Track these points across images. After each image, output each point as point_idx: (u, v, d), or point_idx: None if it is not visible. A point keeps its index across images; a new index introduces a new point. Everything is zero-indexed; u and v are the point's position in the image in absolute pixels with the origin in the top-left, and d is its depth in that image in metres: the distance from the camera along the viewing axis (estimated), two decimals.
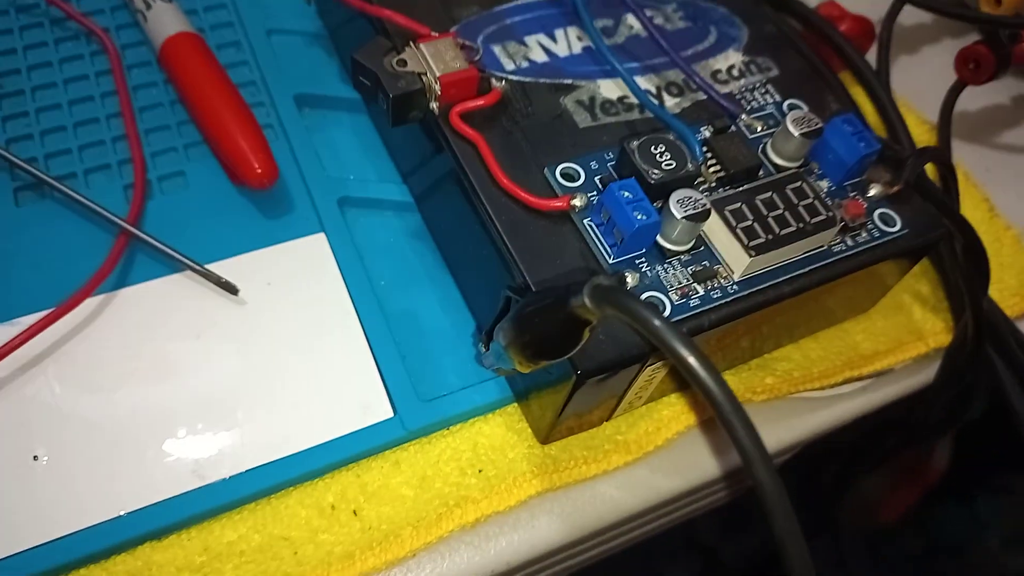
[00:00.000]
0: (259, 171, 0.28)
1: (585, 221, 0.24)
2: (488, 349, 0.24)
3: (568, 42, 0.28)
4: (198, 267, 0.27)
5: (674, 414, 0.27)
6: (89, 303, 0.26)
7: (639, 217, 0.22)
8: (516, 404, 0.27)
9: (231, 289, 0.27)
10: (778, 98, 0.28)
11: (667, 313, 0.22)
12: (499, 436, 0.26)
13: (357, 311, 0.27)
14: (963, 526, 0.61)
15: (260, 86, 0.32)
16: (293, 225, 0.29)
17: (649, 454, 0.27)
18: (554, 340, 0.19)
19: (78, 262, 0.27)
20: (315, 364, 0.26)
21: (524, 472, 0.26)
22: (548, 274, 0.23)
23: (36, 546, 0.23)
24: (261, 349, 0.27)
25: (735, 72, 0.28)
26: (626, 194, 0.22)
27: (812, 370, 0.29)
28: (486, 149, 0.24)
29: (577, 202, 0.23)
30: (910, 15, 0.36)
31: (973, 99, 0.37)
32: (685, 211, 0.22)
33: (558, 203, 0.23)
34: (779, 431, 0.28)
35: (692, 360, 0.15)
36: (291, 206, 0.29)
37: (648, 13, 0.29)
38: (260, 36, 0.33)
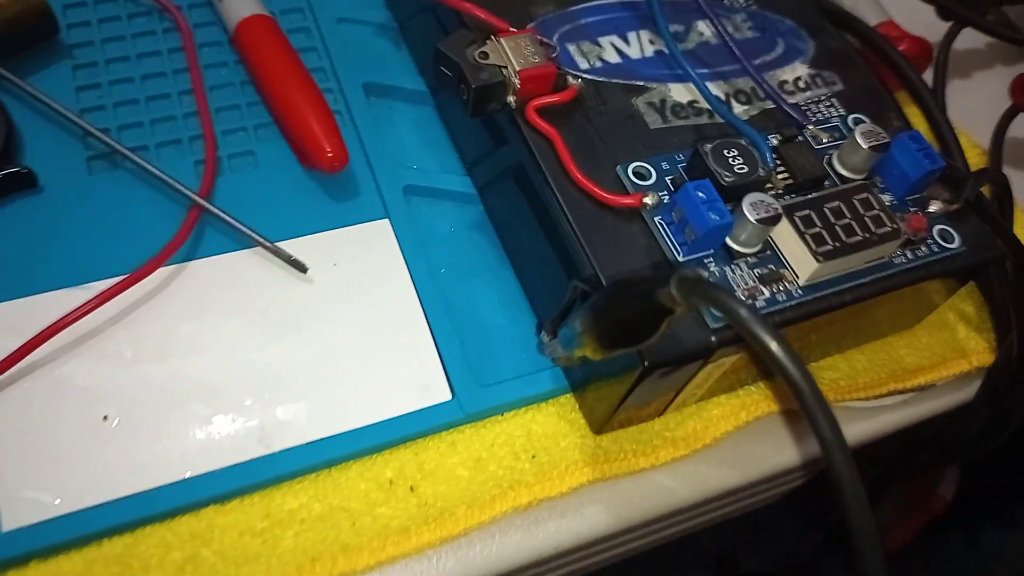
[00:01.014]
0: (330, 155, 0.29)
1: (656, 219, 0.25)
2: (552, 338, 0.25)
3: (640, 45, 0.29)
4: (269, 243, 0.28)
5: (723, 414, 0.28)
6: (160, 272, 0.28)
7: (713, 217, 0.23)
8: (570, 395, 0.28)
9: (300, 267, 0.28)
10: (842, 112, 0.29)
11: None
12: (552, 425, 0.27)
13: (419, 296, 0.29)
14: (968, 558, 0.61)
15: (328, 73, 0.33)
16: (359, 210, 0.30)
17: (697, 451, 0.28)
18: (633, 328, 0.20)
19: (147, 233, 0.28)
20: (378, 344, 0.28)
21: (576, 460, 0.27)
22: (617, 268, 0.24)
23: (103, 503, 0.24)
24: (326, 327, 0.28)
25: (801, 84, 0.30)
26: (701, 194, 0.23)
27: (857, 380, 0.30)
28: (561, 144, 0.25)
29: (649, 200, 0.25)
30: (965, 40, 0.38)
31: None
32: (758, 214, 0.23)
33: (630, 200, 0.25)
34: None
35: (778, 349, 0.17)
36: (357, 191, 0.31)
37: (718, 20, 0.30)
38: (330, 23, 0.34)
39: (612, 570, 0.34)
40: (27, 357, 0.25)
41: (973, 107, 0.37)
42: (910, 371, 0.30)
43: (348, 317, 0.28)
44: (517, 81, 0.26)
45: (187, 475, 0.25)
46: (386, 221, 0.30)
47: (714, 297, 0.18)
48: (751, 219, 0.23)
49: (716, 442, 0.28)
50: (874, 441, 0.30)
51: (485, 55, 0.26)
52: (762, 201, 0.24)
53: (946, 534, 0.61)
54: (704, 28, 0.30)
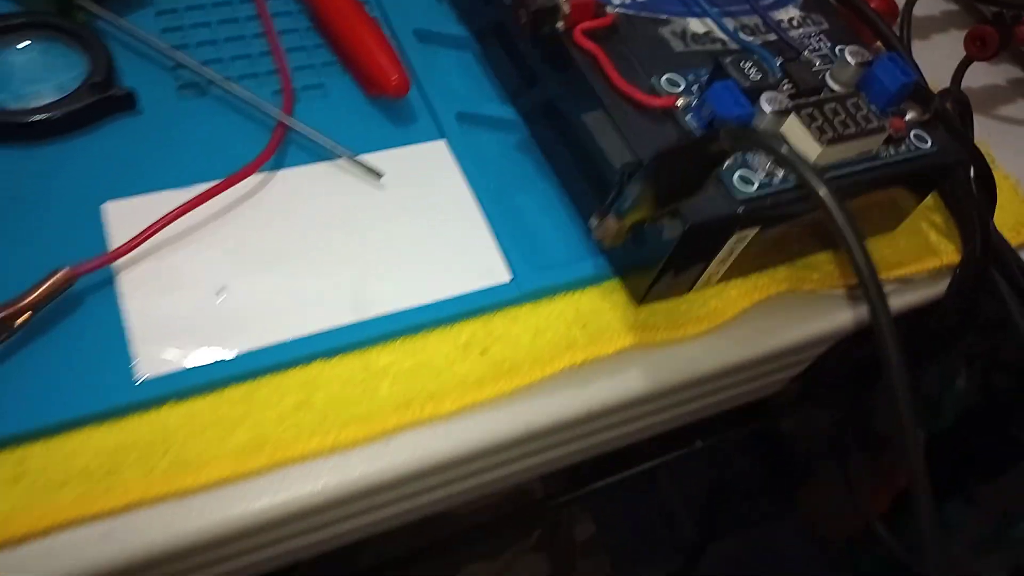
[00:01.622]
0: (396, 80, 0.34)
1: (687, 117, 0.30)
2: (601, 220, 0.30)
3: None
4: (349, 152, 0.33)
5: (739, 293, 0.34)
6: (253, 178, 0.32)
7: (739, 106, 0.29)
8: (611, 281, 0.33)
9: (376, 173, 0.33)
10: (830, 44, 0.35)
11: (755, 188, 0.29)
12: (597, 303, 0.33)
13: (478, 199, 0.34)
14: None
15: (383, 21, 0.38)
16: (418, 131, 0.35)
17: (719, 326, 0.33)
18: (683, 183, 0.26)
19: (236, 148, 0.33)
20: (447, 237, 0.33)
21: (619, 329, 0.32)
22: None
23: (222, 359, 0.28)
24: (400, 225, 0.33)
25: (794, 23, 0.36)
26: (728, 91, 0.29)
27: (849, 270, 0.36)
28: (605, 59, 0.31)
29: (680, 102, 0.30)
30: (924, 6, 0.45)
31: (977, 77, 0.45)
32: (773, 107, 0.29)
33: (665, 101, 0.30)
34: (821, 321, 0.35)
35: (824, 192, 0.22)
36: (415, 116, 0.36)
37: None
38: None
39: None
40: (146, 242, 0.29)
41: (934, 61, 0.44)
42: (891, 264, 0.36)
43: (419, 216, 0.33)
44: (567, 8, 0.31)
45: (295, 336, 0.29)
46: (443, 141, 0.35)
47: (761, 140, 0.23)
48: (768, 111, 0.29)
49: (734, 319, 0.34)
50: (865, 325, 0.36)
51: None
52: (776, 98, 0.29)
53: (911, 512, 0.66)
54: None
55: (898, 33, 0.43)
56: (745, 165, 0.30)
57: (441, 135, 0.35)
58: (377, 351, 0.30)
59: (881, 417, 0.69)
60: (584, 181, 0.33)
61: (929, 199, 0.37)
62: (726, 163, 0.29)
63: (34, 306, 0.27)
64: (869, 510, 0.64)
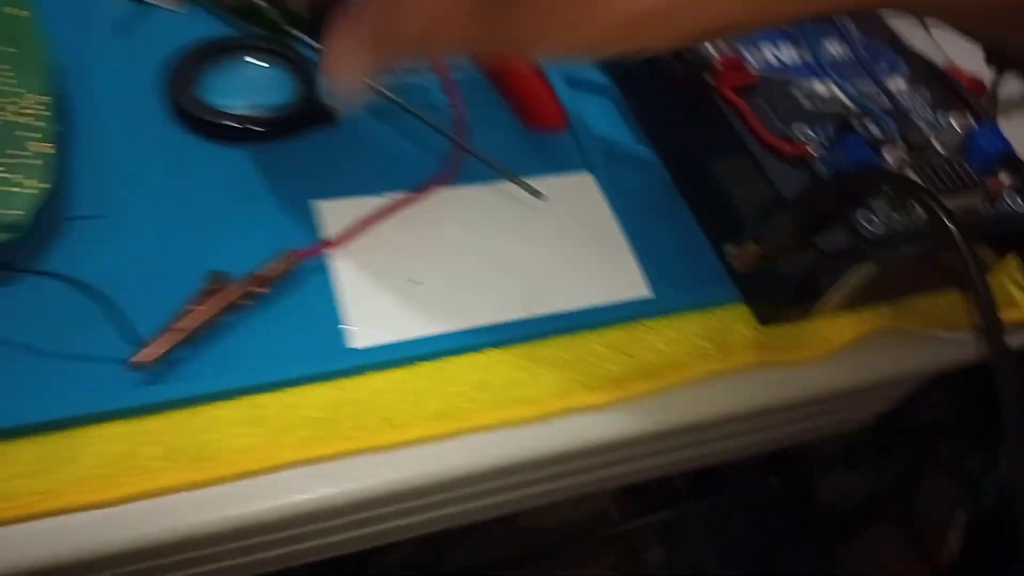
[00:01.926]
0: (557, 114, 0.40)
1: (818, 164, 0.36)
2: (738, 247, 0.36)
3: (790, 54, 0.41)
4: (514, 176, 0.39)
5: (849, 324, 0.39)
6: (439, 192, 0.38)
7: (866, 158, 0.34)
8: (736, 304, 0.38)
9: (537, 194, 0.39)
10: (933, 112, 0.41)
11: (877, 228, 0.34)
12: (725, 321, 0.37)
13: (621, 224, 0.39)
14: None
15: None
16: (568, 164, 0.41)
17: (828, 353, 0.38)
18: (824, 214, 0.31)
19: (415, 166, 0.39)
20: (595, 255, 0.38)
21: (744, 346, 0.37)
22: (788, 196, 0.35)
23: (415, 338, 0.34)
24: (558, 241, 0.38)
25: (903, 91, 0.41)
26: (856, 143, 0.35)
27: (943, 315, 0.41)
28: (749, 111, 0.37)
29: (813, 150, 0.36)
30: (1009, 87, 0.50)
31: None
32: (894, 160, 0.35)
33: (802, 149, 0.36)
34: (914, 358, 0.40)
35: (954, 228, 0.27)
36: (565, 151, 0.41)
37: (839, 43, 0.42)
38: None
39: None
40: (358, 236, 0.35)
41: (1015, 135, 0.49)
42: None
43: (571, 236, 0.38)
44: (718, 66, 0.37)
45: (476, 324, 0.34)
46: (590, 175, 0.41)
47: (906, 182, 0.28)
48: (890, 162, 0.35)
49: (842, 347, 0.39)
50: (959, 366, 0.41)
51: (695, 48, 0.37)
52: (895, 152, 0.35)
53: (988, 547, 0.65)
54: (832, 47, 0.42)
55: (985, 108, 0.48)
56: (868, 207, 0.35)
57: (587, 168, 0.41)
58: (541, 345, 0.35)
59: (924, 496, 0.72)
60: (716, 215, 0.39)
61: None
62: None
63: (271, 280, 0.32)
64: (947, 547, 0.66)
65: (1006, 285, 0.43)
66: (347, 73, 0.28)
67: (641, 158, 0.42)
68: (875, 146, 0.36)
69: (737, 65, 0.37)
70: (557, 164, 0.41)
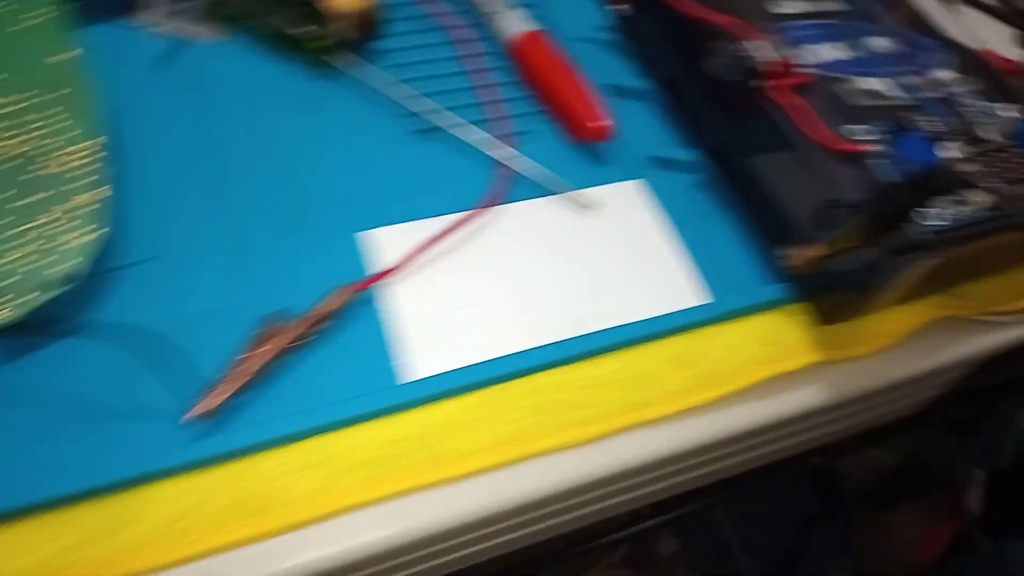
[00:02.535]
0: (605, 124, 0.35)
1: (874, 161, 0.30)
2: (795, 249, 0.30)
3: (831, 51, 0.35)
4: (567, 186, 0.34)
5: (905, 318, 0.33)
6: (489, 211, 0.33)
7: (929, 153, 0.28)
8: (793, 304, 0.33)
9: (589, 206, 0.34)
10: (986, 101, 0.35)
11: (939, 221, 0.29)
12: (784, 323, 0.32)
13: (673, 230, 0.34)
14: (995, 571, 0.60)
15: None
16: (616, 172, 0.36)
17: (886, 346, 0.33)
18: (895, 214, 0.26)
19: (464, 186, 0.34)
20: (649, 263, 0.33)
21: (803, 347, 0.32)
22: (849, 196, 0.29)
23: (470, 366, 0.29)
24: (611, 250, 0.33)
25: (951, 82, 0.35)
26: (917, 140, 0.29)
27: (996, 299, 0.35)
28: (805, 108, 0.31)
29: (870, 148, 0.30)
30: None
31: None
32: (955, 154, 0.29)
33: (857, 147, 0.30)
34: (970, 344, 0.34)
35: None
36: (612, 159, 0.36)
37: (883, 38, 0.36)
38: (570, 41, 0.40)
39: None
40: (410, 263, 0.30)
41: None
42: None
43: (624, 244, 0.33)
44: (766, 67, 0.31)
45: (528, 346, 0.30)
46: (639, 181, 0.36)
47: (970, 180, 0.23)
48: (951, 157, 0.29)
49: (899, 340, 0.33)
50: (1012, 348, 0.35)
51: (745, 50, 0.31)
52: (957, 146, 0.29)
53: (973, 547, 0.61)
54: (874, 42, 0.36)
55: None
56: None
57: (635, 175, 0.36)
58: (601, 361, 0.30)
59: (936, 460, 0.66)
60: (770, 217, 0.33)
61: None
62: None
63: (327, 318, 0.28)
64: (925, 550, 0.61)
65: None
66: None
67: (687, 162, 0.36)
68: (934, 141, 0.30)
69: (788, 67, 0.31)
70: (605, 173, 0.36)
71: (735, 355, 0.31)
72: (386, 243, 0.31)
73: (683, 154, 0.36)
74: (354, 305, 0.29)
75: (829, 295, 0.31)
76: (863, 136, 0.31)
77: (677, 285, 0.32)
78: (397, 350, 0.29)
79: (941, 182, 0.24)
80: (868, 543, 0.68)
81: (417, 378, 0.28)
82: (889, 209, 0.26)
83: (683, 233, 0.34)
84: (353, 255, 0.31)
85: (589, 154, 0.36)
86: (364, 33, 0.37)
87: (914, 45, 0.36)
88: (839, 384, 0.32)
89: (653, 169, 0.36)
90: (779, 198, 0.32)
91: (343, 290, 0.29)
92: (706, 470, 0.34)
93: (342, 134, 0.35)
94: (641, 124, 0.38)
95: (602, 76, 0.39)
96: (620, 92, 0.39)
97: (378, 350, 0.29)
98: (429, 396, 0.28)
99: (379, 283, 0.30)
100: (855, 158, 0.30)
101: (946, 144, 0.29)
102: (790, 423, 0.32)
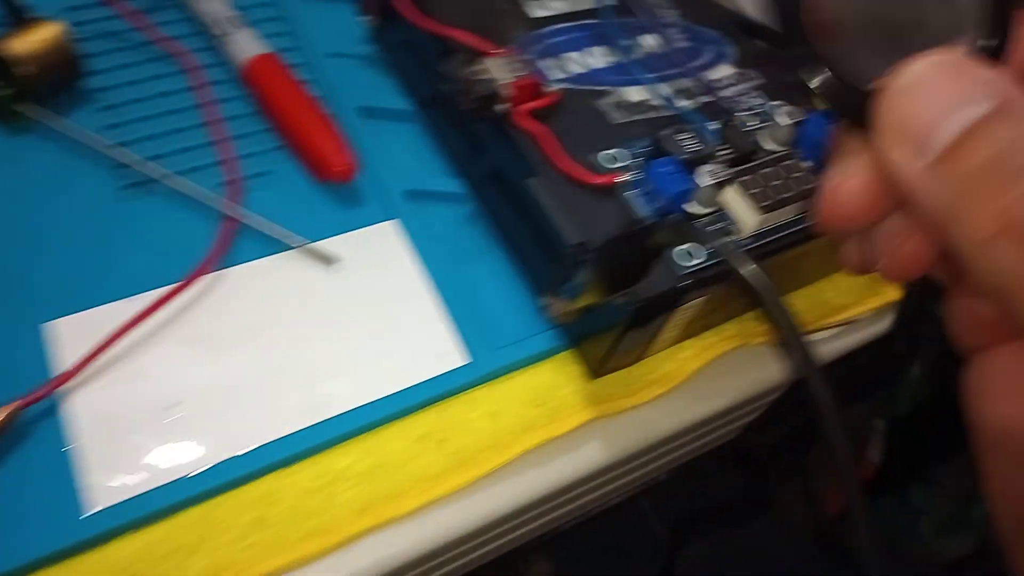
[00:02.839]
0: (343, 166, 0.30)
1: (628, 193, 0.27)
2: (553, 299, 0.27)
3: (598, 58, 0.31)
4: (301, 240, 0.29)
5: (691, 355, 0.30)
6: (204, 279, 0.28)
7: (679, 183, 0.25)
8: (566, 352, 0.29)
9: (329, 260, 0.29)
10: (766, 99, 0.31)
11: (698, 260, 0.26)
12: (553, 377, 0.29)
13: (431, 279, 0.30)
14: (899, 516, 0.61)
15: (325, 101, 0.34)
16: (369, 213, 0.31)
17: (674, 388, 0.30)
18: (628, 272, 0.22)
19: (185, 248, 0.29)
20: (400, 323, 0.29)
21: (576, 404, 0.28)
22: (602, 236, 0.26)
23: (177, 479, 0.24)
24: (354, 313, 0.29)
25: (730, 81, 0.32)
26: (667, 167, 0.25)
27: (804, 317, 0.32)
28: (549, 139, 0.27)
29: (621, 178, 0.27)
30: None
31: None
32: (712, 179, 0.25)
33: (607, 179, 0.27)
34: (770, 372, 0.32)
35: (751, 272, 0.19)
36: (365, 197, 0.32)
37: (656, 34, 0.32)
38: (321, 58, 0.35)
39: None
40: (96, 360, 0.26)
41: None
42: (836, 308, 0.33)
43: (372, 303, 0.29)
44: (507, 91, 0.27)
45: (250, 447, 0.25)
46: (393, 222, 0.31)
47: (696, 232, 0.19)
48: (706, 184, 0.25)
49: (688, 379, 0.30)
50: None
51: (479, 72, 0.27)
52: (713, 170, 0.26)
53: (877, 496, 0.61)
54: (648, 40, 0.32)
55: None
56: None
57: (392, 215, 0.32)
58: (335, 453, 0.26)
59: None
60: (533, 254, 0.30)
61: None
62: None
63: None
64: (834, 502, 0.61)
65: None
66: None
67: (451, 194, 0.32)
68: (693, 163, 0.26)
69: (530, 86, 0.27)
70: (356, 216, 0.32)
71: (498, 423, 0.28)
72: (76, 334, 0.26)
73: (447, 185, 0.33)
74: (32, 419, 0.25)
75: (597, 344, 0.28)
76: (615, 164, 0.27)
77: (432, 347, 0.29)
78: (86, 472, 0.24)
79: (669, 235, 0.21)
80: (782, 504, 0.67)
81: (109, 505, 0.24)
82: (620, 265, 0.23)
83: (443, 280, 0.30)
84: (36, 352, 0.26)
85: (337, 194, 0.32)
86: (59, 74, 0.31)
87: (694, 38, 0.33)
88: (618, 439, 0.29)
89: (413, 204, 0.32)
90: (537, 235, 0.28)
91: (5, 407, 0.24)
92: (490, 547, 0.30)
93: (30, 198, 0.29)
94: (400, 152, 0.34)
95: (357, 97, 0.34)
96: (375, 114, 0.34)
97: (57, 476, 0.24)
98: (126, 524, 0.24)
99: (58, 390, 0.25)
100: (608, 191, 0.27)
101: (706, 168, 0.26)
102: (568, 490, 0.29)
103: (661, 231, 0.20)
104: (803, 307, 0.33)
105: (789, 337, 0.20)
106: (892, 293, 0.34)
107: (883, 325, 0.34)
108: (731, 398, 0.31)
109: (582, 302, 0.24)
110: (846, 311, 0.33)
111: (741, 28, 0.35)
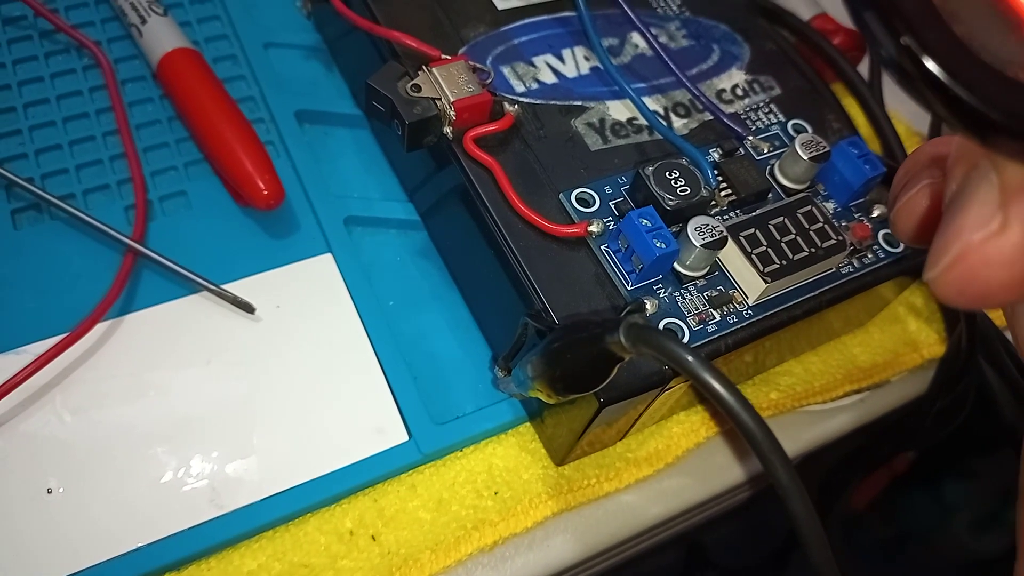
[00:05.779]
0: (265, 193, 0.27)
1: (602, 247, 0.24)
2: (507, 375, 0.24)
3: (576, 62, 0.28)
4: (211, 286, 0.27)
5: (683, 431, 0.27)
6: (98, 328, 0.26)
7: (659, 246, 0.22)
8: (529, 424, 0.27)
9: (247, 308, 0.27)
10: (782, 118, 0.28)
11: (686, 339, 0.23)
12: (513, 457, 0.26)
13: (368, 333, 0.27)
14: (931, 512, 0.60)
15: (259, 101, 0.31)
16: (299, 246, 0.29)
17: (660, 471, 0.27)
18: (585, 375, 0.19)
19: (82, 286, 0.27)
20: (329, 387, 0.26)
21: (539, 493, 0.26)
22: (566, 300, 0.23)
23: None
24: (274, 373, 0.26)
25: (739, 91, 0.28)
26: (645, 222, 0.22)
27: (814, 384, 0.29)
28: (501, 174, 0.24)
29: (594, 228, 0.23)
30: None
31: None
32: (703, 239, 0.22)
33: (575, 229, 0.24)
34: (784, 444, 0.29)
35: (728, 396, 0.16)
36: (297, 226, 0.29)
37: (652, 31, 0.29)
38: (257, 50, 0.32)
39: None
40: None
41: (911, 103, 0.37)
42: (864, 370, 0.30)
43: (296, 360, 0.27)
44: (452, 112, 0.24)
45: (138, 544, 0.23)
46: (328, 256, 0.29)
47: (662, 347, 0.17)
48: (697, 244, 0.22)
49: (678, 460, 0.27)
50: (832, 442, 0.30)
51: (417, 88, 0.24)
52: (707, 225, 0.23)
53: (910, 490, 0.59)
54: (639, 40, 0.29)
55: (868, 71, 0.35)
56: (675, 313, 0.23)
57: (327, 247, 0.29)
58: (241, 553, 0.24)
59: None
60: (490, 305, 0.27)
61: None
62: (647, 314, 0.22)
63: None
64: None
65: (902, 316, 0.31)
66: None
67: (399, 221, 0.30)
68: (683, 211, 0.23)
69: (482, 105, 0.24)
70: (287, 247, 0.29)
71: (443, 516, 0.25)
72: None
73: (395, 210, 0.30)
74: None
75: (558, 429, 0.25)
76: (583, 208, 0.24)
77: (368, 419, 0.26)
78: None
79: (633, 346, 0.18)
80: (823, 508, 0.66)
81: None
82: (572, 369, 0.20)
83: (385, 330, 0.27)
84: None
85: (265, 220, 0.29)
86: None
87: (698, 34, 0.30)
88: (590, 531, 0.26)
89: (353, 234, 0.29)
90: (494, 284, 0.26)
91: None
92: None
93: None
94: (343, 166, 0.31)
95: (296, 96, 0.32)
96: (317, 118, 0.31)
97: None
98: None
99: None
100: (574, 241, 0.24)
101: (696, 224, 0.23)
102: None
103: (611, 337, 0.17)
104: (823, 368, 0.30)
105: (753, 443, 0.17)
106: (932, 349, 0.31)
107: (919, 386, 0.31)
108: (724, 480, 0.28)
109: (534, 395, 0.22)
110: (876, 372, 0.30)
111: (760, 13, 0.31)
